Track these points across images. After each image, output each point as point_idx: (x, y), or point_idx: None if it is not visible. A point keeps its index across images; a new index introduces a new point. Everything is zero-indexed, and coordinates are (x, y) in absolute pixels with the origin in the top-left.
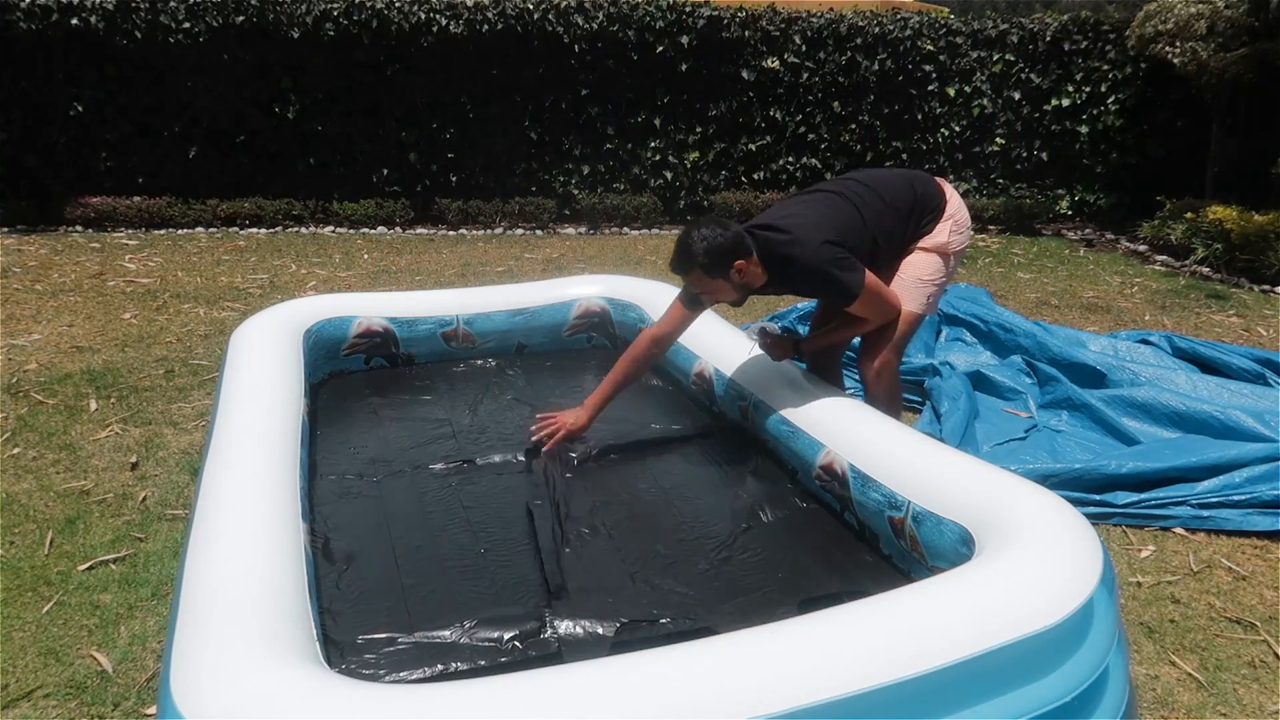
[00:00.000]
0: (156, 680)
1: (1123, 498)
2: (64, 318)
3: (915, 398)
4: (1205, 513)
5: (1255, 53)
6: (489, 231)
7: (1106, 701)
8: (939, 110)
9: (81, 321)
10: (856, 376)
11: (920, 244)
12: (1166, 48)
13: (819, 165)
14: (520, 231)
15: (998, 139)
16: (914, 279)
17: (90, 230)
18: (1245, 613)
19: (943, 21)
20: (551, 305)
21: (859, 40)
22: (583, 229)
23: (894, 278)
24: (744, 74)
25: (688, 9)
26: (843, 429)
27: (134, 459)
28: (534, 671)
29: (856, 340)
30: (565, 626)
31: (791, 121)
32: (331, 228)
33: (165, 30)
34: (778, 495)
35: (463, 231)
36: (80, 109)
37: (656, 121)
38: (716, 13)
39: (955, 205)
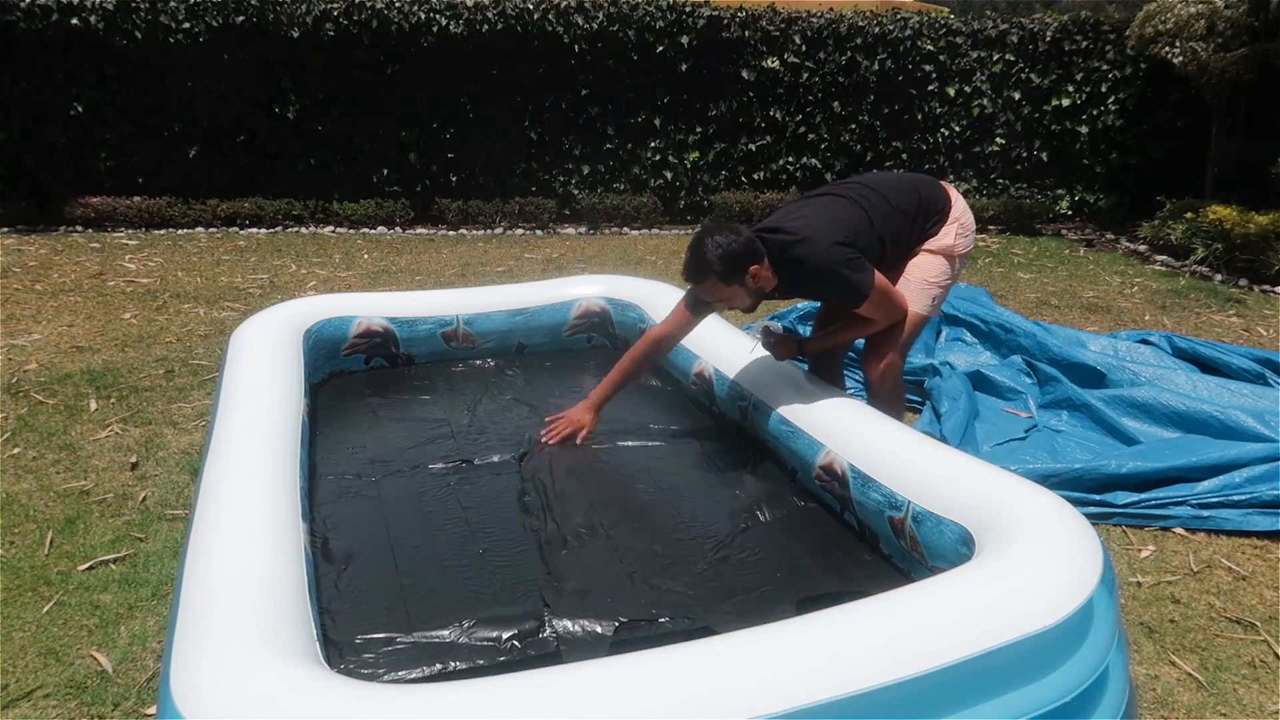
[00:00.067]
0: (156, 680)
1: (1123, 498)
2: (64, 318)
3: (915, 398)
4: (1205, 513)
5: (1255, 53)
6: (489, 231)
7: (1106, 701)
8: (939, 110)
9: (81, 321)
10: (858, 377)
11: (926, 246)
12: (1166, 48)
13: (819, 165)
14: (520, 231)
15: (998, 139)
16: (920, 280)
17: (90, 230)
18: (1245, 613)
19: (943, 21)
20: (551, 305)
21: (859, 40)
22: (583, 229)
23: (900, 279)
24: (744, 74)
25: (688, 9)
26: (842, 429)
27: (134, 459)
28: (533, 671)
29: (859, 341)
30: (564, 626)
31: (791, 121)
32: (331, 228)
33: (165, 30)
34: (777, 495)
35: (463, 231)
36: (80, 109)
37: (656, 121)
38: (716, 13)
39: (960, 209)
